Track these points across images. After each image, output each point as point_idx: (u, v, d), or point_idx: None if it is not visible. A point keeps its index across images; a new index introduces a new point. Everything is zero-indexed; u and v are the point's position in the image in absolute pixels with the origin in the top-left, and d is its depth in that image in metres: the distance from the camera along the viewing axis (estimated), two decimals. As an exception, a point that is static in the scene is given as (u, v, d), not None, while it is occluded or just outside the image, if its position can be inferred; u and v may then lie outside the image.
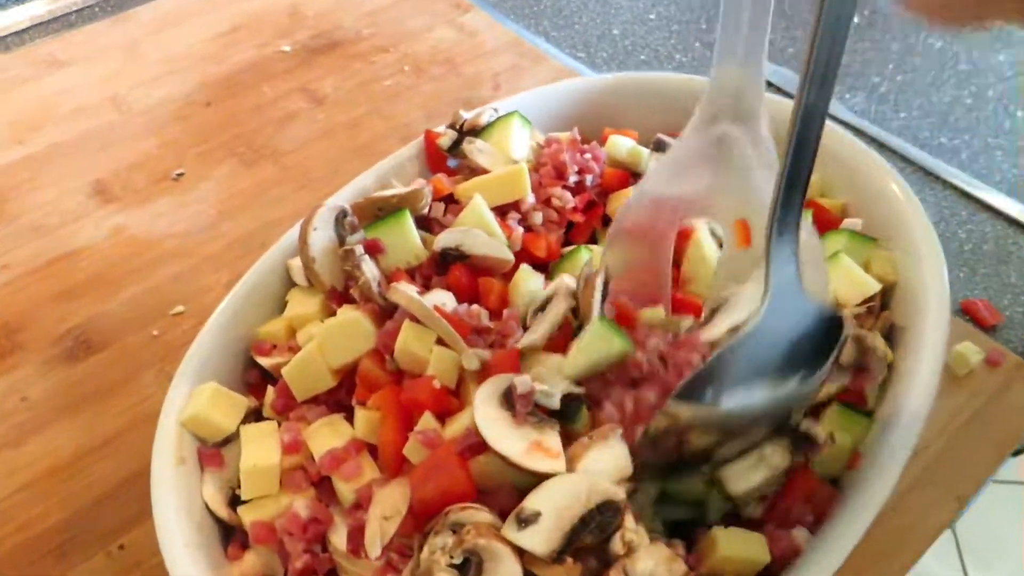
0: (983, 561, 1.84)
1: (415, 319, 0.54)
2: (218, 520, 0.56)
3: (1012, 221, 0.88)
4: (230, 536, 0.56)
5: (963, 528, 1.83)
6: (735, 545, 0.50)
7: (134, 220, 0.89)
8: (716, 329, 0.51)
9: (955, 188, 0.91)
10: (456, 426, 0.50)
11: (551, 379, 0.50)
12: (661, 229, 0.56)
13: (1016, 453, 0.93)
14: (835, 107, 1.01)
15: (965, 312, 0.80)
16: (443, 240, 0.60)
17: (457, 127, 0.71)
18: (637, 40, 1.12)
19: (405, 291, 0.54)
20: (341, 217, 0.63)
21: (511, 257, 0.61)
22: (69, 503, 0.68)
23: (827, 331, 0.47)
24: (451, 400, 0.52)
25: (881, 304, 0.64)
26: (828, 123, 0.73)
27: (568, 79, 0.81)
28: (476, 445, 0.49)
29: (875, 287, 0.60)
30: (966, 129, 0.98)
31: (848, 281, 0.60)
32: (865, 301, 0.62)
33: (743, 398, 0.46)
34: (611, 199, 0.70)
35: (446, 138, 0.71)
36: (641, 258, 0.56)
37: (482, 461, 0.49)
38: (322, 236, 0.62)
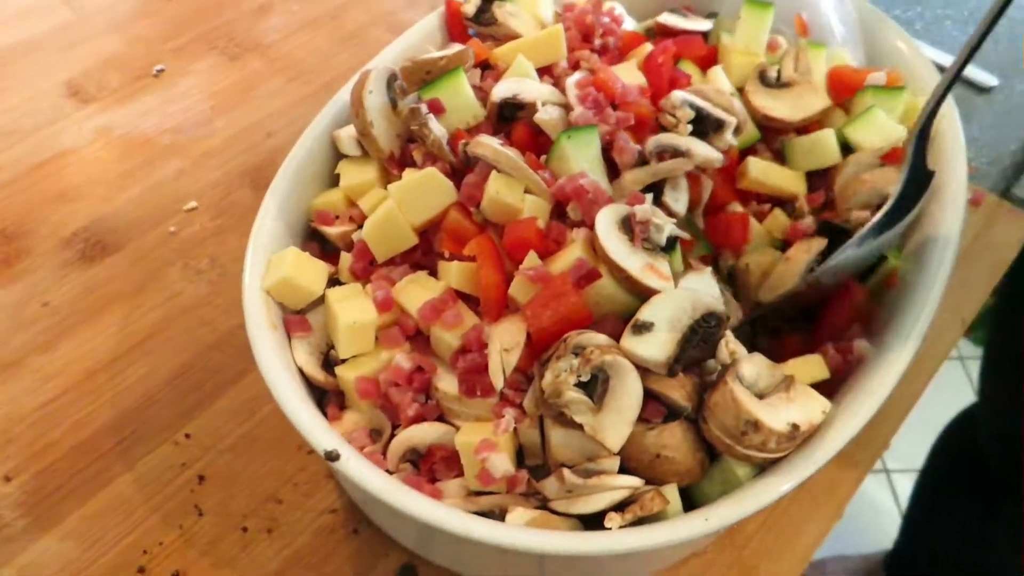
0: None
1: (498, 171, 0.54)
2: (309, 385, 0.56)
3: (969, 83, 0.95)
4: (322, 402, 0.56)
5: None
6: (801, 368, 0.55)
7: (119, 120, 0.85)
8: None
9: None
10: (563, 260, 0.52)
11: (658, 217, 0.52)
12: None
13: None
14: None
15: (944, 163, 0.87)
16: (500, 91, 0.60)
17: None
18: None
19: (490, 143, 0.55)
20: (392, 80, 0.62)
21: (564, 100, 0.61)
22: (118, 402, 0.66)
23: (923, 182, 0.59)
24: (549, 240, 0.53)
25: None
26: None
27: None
28: (587, 275, 0.51)
29: (901, 132, 0.65)
30: (918, 1, 1.04)
31: (878, 130, 0.64)
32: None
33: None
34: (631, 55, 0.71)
35: (470, 5, 0.70)
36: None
37: (593, 289, 0.51)
38: (377, 99, 0.61)
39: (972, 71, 0.96)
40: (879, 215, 0.58)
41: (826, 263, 0.57)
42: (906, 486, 1.56)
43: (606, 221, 0.53)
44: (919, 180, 0.59)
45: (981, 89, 0.96)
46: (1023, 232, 0.81)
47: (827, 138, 0.64)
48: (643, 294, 0.51)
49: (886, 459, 2.02)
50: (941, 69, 0.95)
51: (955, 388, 1.22)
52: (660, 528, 0.47)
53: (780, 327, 0.62)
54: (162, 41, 0.92)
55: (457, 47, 0.64)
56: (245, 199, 0.79)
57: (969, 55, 0.58)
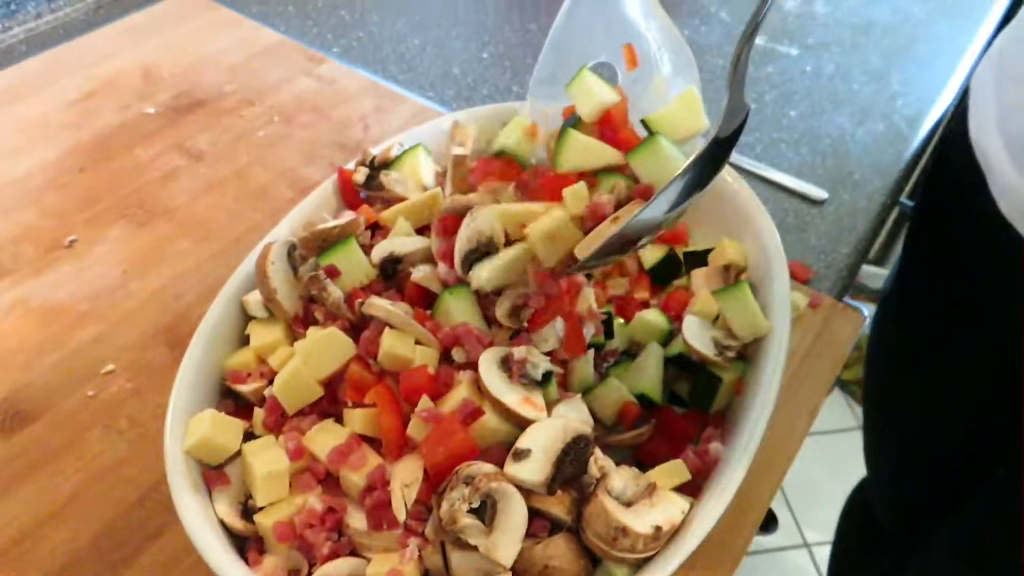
0: (808, 508, 2.14)
1: (391, 326, 0.63)
2: (230, 533, 0.61)
3: (803, 197, 1.10)
4: (243, 548, 0.61)
5: (787, 487, 2.13)
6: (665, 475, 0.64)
7: (34, 291, 0.90)
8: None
9: (757, 176, 1.12)
10: (452, 401, 0.60)
11: (532, 356, 0.61)
12: (573, 72, 0.70)
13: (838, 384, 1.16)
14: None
15: (785, 271, 1.00)
16: (377, 251, 0.70)
17: (368, 163, 0.81)
18: (476, 77, 1.25)
19: (381, 303, 0.63)
20: (292, 250, 0.71)
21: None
22: (44, 567, 0.69)
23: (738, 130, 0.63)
24: (439, 385, 0.62)
25: (738, 271, 0.80)
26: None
27: (446, 115, 0.91)
28: (472, 413, 0.59)
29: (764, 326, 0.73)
30: (755, 128, 1.20)
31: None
32: (726, 266, 0.79)
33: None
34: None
35: (360, 174, 0.80)
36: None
37: (478, 425, 0.59)
38: (279, 269, 0.69)
39: (805, 187, 1.11)
40: (698, 152, 0.60)
41: (637, 213, 0.59)
42: (827, 556, 1.66)
43: (487, 362, 0.62)
44: (736, 114, 0.62)
45: (814, 202, 1.10)
46: (857, 327, 0.94)
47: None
48: (522, 424, 0.60)
49: (804, 532, 2.13)
50: (785, 189, 1.11)
51: (862, 457, 1.34)
52: (553, 633, 0.53)
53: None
54: (74, 212, 0.98)
55: (349, 215, 0.73)
56: (160, 358, 0.84)
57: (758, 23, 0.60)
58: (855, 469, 1.46)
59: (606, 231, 0.61)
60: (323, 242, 0.71)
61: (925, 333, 1.09)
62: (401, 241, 0.71)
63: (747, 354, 0.74)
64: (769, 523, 0.80)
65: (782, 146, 1.18)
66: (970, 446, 1.05)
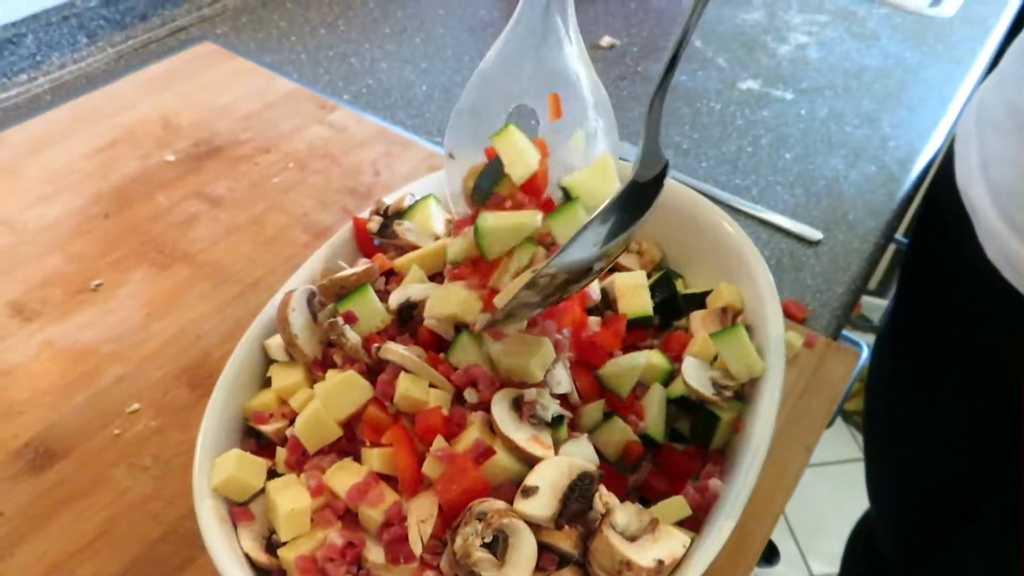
0: (813, 540, 2.16)
1: (406, 370, 0.67)
2: (255, 567, 0.64)
3: (799, 237, 1.15)
4: (265, 582, 0.65)
5: (792, 518, 2.15)
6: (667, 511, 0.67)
7: (61, 333, 0.94)
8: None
9: (753, 217, 1.17)
10: (465, 441, 0.64)
11: (543, 399, 0.65)
12: (495, 110, 0.72)
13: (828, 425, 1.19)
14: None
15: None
16: (394, 298, 0.74)
17: (382, 212, 0.85)
18: (483, 122, 1.30)
19: (396, 349, 0.67)
20: (311, 298, 0.75)
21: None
22: (72, 601, 0.72)
23: (659, 179, 0.66)
24: (452, 425, 0.65)
25: (735, 313, 0.84)
26: (671, 181, 0.95)
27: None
28: (484, 452, 0.62)
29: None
30: (752, 171, 1.25)
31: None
32: (723, 308, 0.83)
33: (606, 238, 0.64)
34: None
35: (374, 223, 0.84)
36: (480, 135, 0.72)
37: (489, 464, 0.62)
38: (299, 316, 0.73)
39: (800, 227, 1.15)
40: (612, 198, 0.63)
41: (552, 258, 0.62)
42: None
43: (499, 402, 0.66)
44: (654, 164, 0.65)
45: (809, 242, 1.14)
46: (851, 367, 0.97)
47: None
48: (531, 461, 0.63)
49: (810, 563, 2.14)
50: (781, 230, 1.15)
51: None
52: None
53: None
54: (98, 256, 1.02)
55: (364, 263, 0.77)
56: (182, 398, 0.88)
57: (679, 49, 0.61)
58: (860, 499, 1.48)
59: (520, 280, 0.65)
60: (341, 289, 0.75)
61: (918, 369, 1.12)
62: (416, 288, 0.75)
63: (744, 393, 0.78)
64: (771, 555, 0.83)
65: (778, 188, 1.22)
66: (963, 479, 1.08)
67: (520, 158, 0.69)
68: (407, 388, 0.65)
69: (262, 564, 0.64)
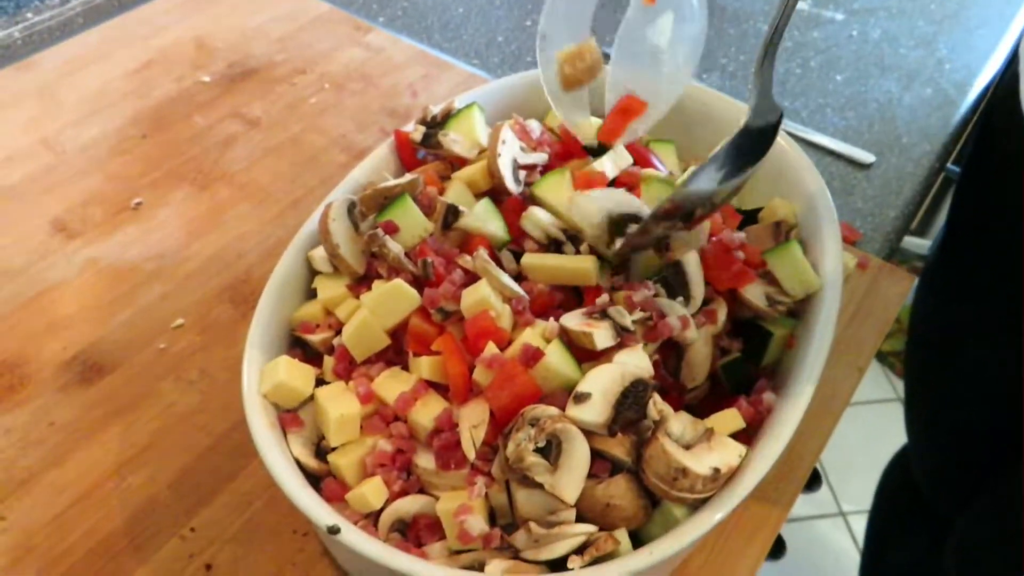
0: (844, 478, 2.15)
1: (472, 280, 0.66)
2: (305, 472, 0.64)
3: (849, 160, 1.11)
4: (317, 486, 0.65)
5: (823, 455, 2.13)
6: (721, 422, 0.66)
7: (104, 252, 0.93)
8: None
9: (803, 140, 1.13)
10: (513, 348, 0.63)
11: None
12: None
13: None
14: (701, 86, 1.20)
15: (833, 234, 1.01)
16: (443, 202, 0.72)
17: (428, 120, 0.83)
18: (521, 45, 1.27)
19: (484, 256, 0.66)
20: (352, 208, 0.73)
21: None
22: (126, 506, 0.73)
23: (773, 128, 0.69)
24: (501, 329, 0.64)
25: (789, 228, 0.81)
26: (716, 92, 0.92)
27: (505, 78, 0.93)
28: (533, 355, 0.61)
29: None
30: (801, 93, 1.20)
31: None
32: (776, 223, 0.80)
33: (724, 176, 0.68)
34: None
35: (418, 132, 0.82)
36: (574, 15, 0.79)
37: (540, 367, 0.61)
38: (340, 226, 0.71)
39: (851, 150, 1.11)
40: (723, 144, 0.68)
41: (668, 197, 0.66)
42: (861, 526, 1.67)
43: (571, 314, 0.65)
44: (767, 113, 0.69)
45: (861, 166, 1.11)
46: (905, 288, 0.94)
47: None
48: (585, 346, 0.62)
49: (840, 502, 2.14)
50: (832, 153, 1.11)
51: (899, 429, 1.35)
52: (613, 564, 0.56)
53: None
54: (138, 177, 1.02)
55: (409, 176, 0.76)
56: (225, 314, 0.88)
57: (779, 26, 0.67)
58: (892, 440, 1.46)
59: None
60: (384, 199, 0.73)
61: (969, 305, 1.09)
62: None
63: (799, 311, 0.75)
64: (812, 481, 0.82)
65: (828, 111, 1.18)
66: (1006, 419, 1.05)
67: None
68: (486, 295, 0.64)
69: (312, 469, 0.64)
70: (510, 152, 0.75)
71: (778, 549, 0.83)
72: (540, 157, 0.79)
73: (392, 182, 0.74)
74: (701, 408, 0.72)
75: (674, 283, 0.70)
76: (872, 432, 1.95)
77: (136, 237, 0.95)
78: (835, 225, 0.78)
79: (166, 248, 0.94)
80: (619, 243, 0.68)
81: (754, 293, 0.73)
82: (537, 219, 0.70)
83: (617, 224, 0.68)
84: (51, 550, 0.70)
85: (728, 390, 0.73)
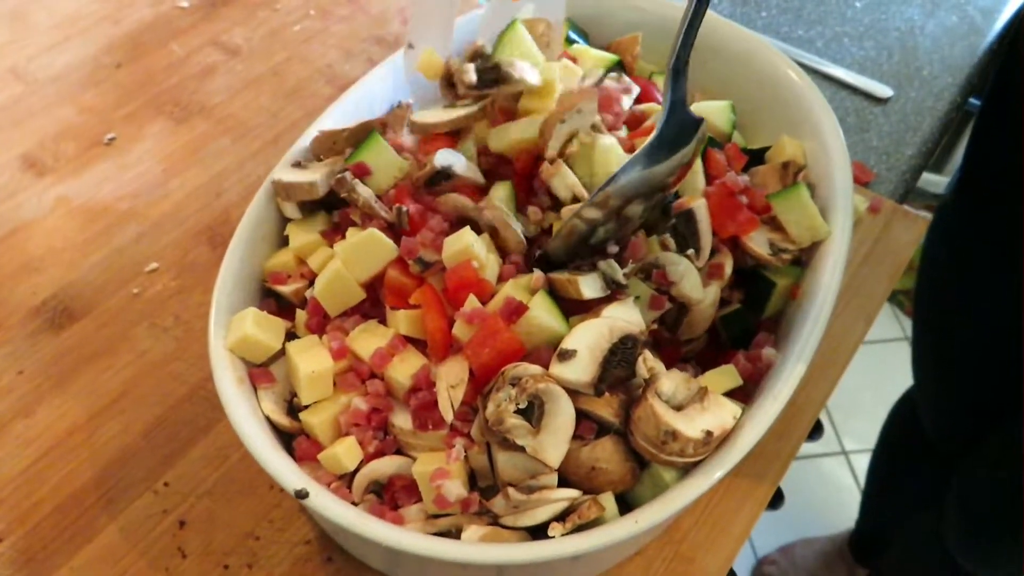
0: (847, 417, 2.13)
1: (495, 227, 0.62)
2: (276, 430, 0.61)
3: (866, 94, 1.04)
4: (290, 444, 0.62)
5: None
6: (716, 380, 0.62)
7: (76, 189, 0.89)
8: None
9: (817, 71, 1.06)
10: (495, 301, 0.58)
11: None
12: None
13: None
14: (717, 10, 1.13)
15: (844, 173, 0.95)
16: (440, 159, 0.65)
17: (479, 56, 0.70)
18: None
19: (498, 203, 0.62)
20: (296, 164, 0.69)
21: (482, 180, 0.67)
22: (97, 458, 0.71)
23: (691, 128, 0.64)
24: (485, 281, 0.60)
25: (797, 170, 0.76)
26: (725, 20, 0.85)
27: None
28: (516, 309, 0.57)
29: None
30: (817, 21, 1.13)
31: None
32: (784, 164, 0.74)
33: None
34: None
35: (469, 72, 0.69)
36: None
37: (523, 322, 0.57)
38: (291, 176, 0.67)
39: (868, 83, 1.04)
40: (642, 148, 0.63)
41: (590, 197, 0.62)
42: (864, 465, 1.66)
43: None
44: (682, 122, 0.64)
45: (877, 100, 1.04)
46: (918, 233, 0.89)
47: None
48: (570, 311, 0.58)
49: (843, 440, 2.12)
50: (847, 86, 1.05)
51: (906, 369, 1.32)
52: (597, 532, 0.53)
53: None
54: (112, 109, 0.96)
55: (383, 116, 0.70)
56: (203, 257, 0.84)
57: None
58: (898, 380, 1.43)
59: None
60: (333, 144, 0.68)
61: (985, 243, 1.04)
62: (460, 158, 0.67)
63: (804, 259, 0.71)
64: (815, 430, 0.79)
65: (845, 40, 1.11)
66: (1014, 363, 1.02)
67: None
68: (471, 242, 0.59)
69: (284, 427, 0.61)
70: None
71: (776, 499, 0.80)
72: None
73: (342, 127, 0.69)
74: (698, 360, 0.68)
75: (685, 232, 0.66)
76: (879, 372, 1.92)
77: (110, 174, 0.91)
78: (847, 167, 0.72)
79: (141, 186, 0.90)
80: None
81: (757, 240, 0.68)
82: (570, 181, 0.65)
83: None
84: (18, 505, 0.68)
85: (727, 342, 0.70)
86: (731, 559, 0.67)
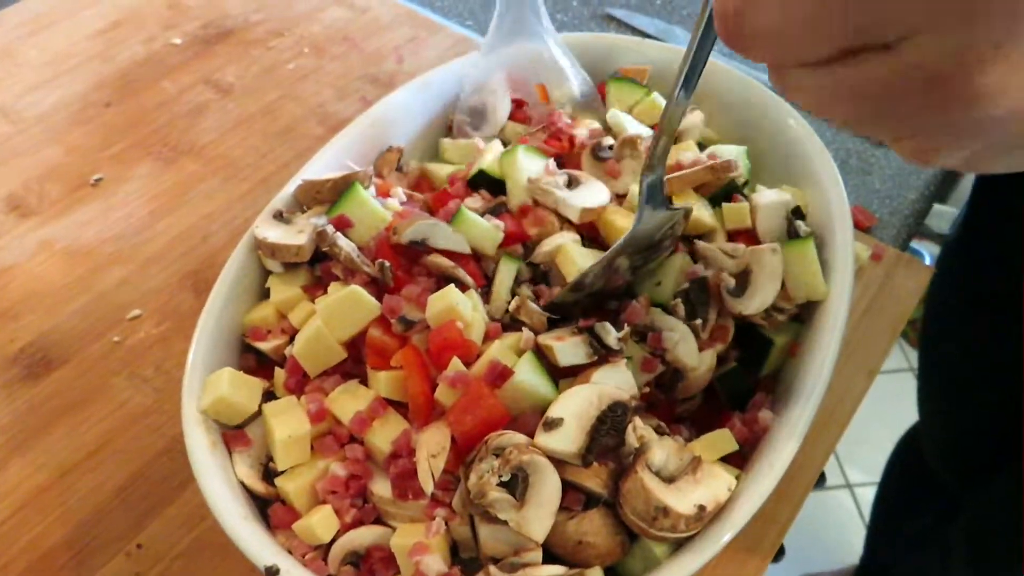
0: (853, 449, 2.09)
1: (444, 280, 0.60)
2: (251, 495, 0.59)
3: (868, 137, 1.02)
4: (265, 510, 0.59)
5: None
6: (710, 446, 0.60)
7: (60, 232, 0.87)
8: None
9: (820, 113, 1.04)
10: (479, 364, 0.56)
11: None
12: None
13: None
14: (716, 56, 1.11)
15: (846, 219, 0.93)
16: (410, 233, 0.63)
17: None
18: (519, 3, 1.17)
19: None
20: (279, 216, 0.67)
21: (468, 250, 0.65)
22: (69, 517, 0.68)
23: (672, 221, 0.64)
24: (470, 342, 0.57)
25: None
26: (723, 64, 0.84)
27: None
28: (501, 373, 0.55)
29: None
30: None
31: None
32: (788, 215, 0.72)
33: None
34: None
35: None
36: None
37: (509, 387, 0.55)
38: (272, 232, 0.65)
39: (872, 126, 1.02)
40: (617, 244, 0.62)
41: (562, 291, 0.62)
42: (869, 498, 1.63)
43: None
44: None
45: (880, 142, 1.02)
46: (922, 281, 0.87)
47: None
48: (558, 375, 0.56)
49: (847, 472, 2.08)
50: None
51: (912, 400, 1.29)
52: (585, 615, 0.50)
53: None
54: (100, 149, 0.95)
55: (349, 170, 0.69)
56: (186, 304, 0.82)
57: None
58: (904, 412, 1.40)
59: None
60: (317, 193, 0.66)
61: (992, 278, 1.01)
62: (441, 229, 0.65)
63: (803, 315, 0.68)
64: (819, 480, 0.76)
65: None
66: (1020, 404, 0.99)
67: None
68: (456, 301, 0.57)
69: (259, 493, 0.58)
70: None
71: (777, 554, 0.78)
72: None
73: (325, 177, 0.67)
74: (693, 419, 0.66)
75: (696, 301, 0.63)
76: (884, 402, 1.88)
77: (95, 216, 0.89)
78: (847, 222, 0.70)
79: (126, 228, 0.88)
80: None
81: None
82: None
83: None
84: (-13, 566, 0.65)
85: (724, 401, 0.67)
86: (728, 631, 0.64)
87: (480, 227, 0.64)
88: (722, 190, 0.71)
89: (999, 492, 1.08)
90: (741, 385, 0.66)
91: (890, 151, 1.01)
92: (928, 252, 0.99)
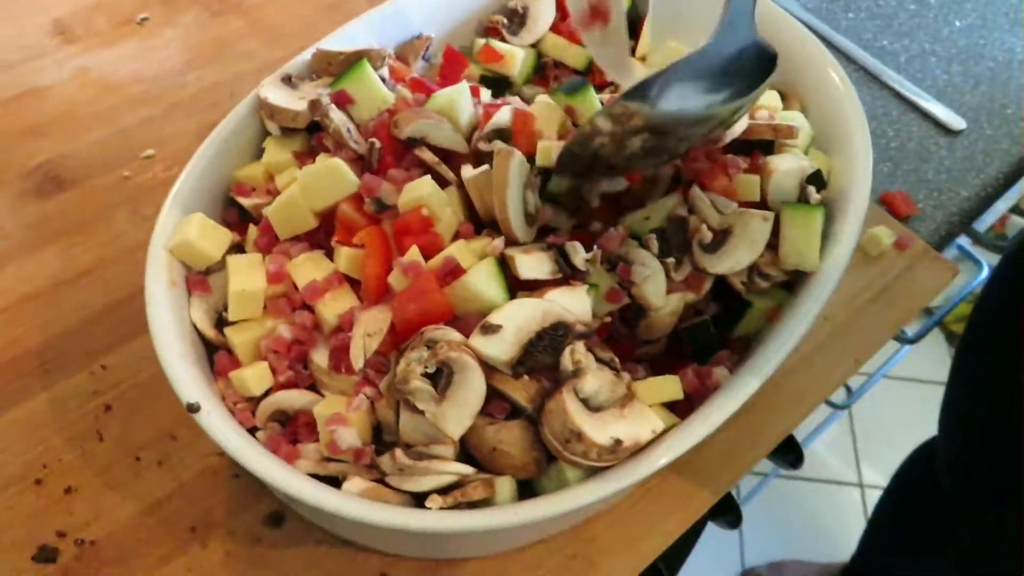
0: (874, 448, 2.04)
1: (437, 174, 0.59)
2: (204, 341, 0.61)
3: (937, 123, 0.96)
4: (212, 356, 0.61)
5: (858, 422, 2.03)
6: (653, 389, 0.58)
7: (98, 62, 0.89)
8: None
9: (890, 89, 0.98)
10: (436, 259, 0.56)
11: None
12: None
13: (912, 341, 1.04)
14: (788, 2, 1.05)
15: (883, 202, 0.88)
16: (410, 130, 0.62)
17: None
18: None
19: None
20: (287, 80, 0.66)
21: (465, 150, 0.64)
22: (48, 327, 0.72)
23: (761, 64, 0.57)
24: (436, 235, 0.57)
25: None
26: (778, 9, 0.79)
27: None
28: (453, 271, 0.55)
29: None
30: (907, 34, 1.04)
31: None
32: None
33: (678, 103, 0.55)
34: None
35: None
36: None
37: (459, 284, 0.55)
38: (276, 93, 0.65)
39: (942, 111, 0.96)
40: (686, 64, 0.56)
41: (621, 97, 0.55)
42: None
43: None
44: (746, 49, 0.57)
45: (947, 131, 0.96)
46: (944, 282, 0.82)
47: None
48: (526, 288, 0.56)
49: (864, 471, 2.05)
50: (918, 110, 0.96)
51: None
52: (471, 515, 0.51)
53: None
54: (151, -11, 0.96)
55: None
56: (200, 153, 0.83)
57: None
58: (932, 422, 1.36)
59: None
60: (329, 65, 0.66)
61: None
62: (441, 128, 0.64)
63: (794, 283, 0.66)
64: (796, 460, 0.75)
65: (931, 60, 1.02)
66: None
67: None
68: (430, 193, 0.57)
69: (209, 338, 0.60)
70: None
71: (735, 519, 0.77)
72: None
73: (342, 48, 0.66)
74: (652, 364, 0.65)
75: (672, 241, 0.61)
76: (917, 409, 1.83)
77: (134, 54, 0.90)
78: (864, 197, 0.66)
79: (160, 71, 0.89)
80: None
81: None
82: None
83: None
84: (-38, 356, 0.69)
85: (688, 355, 0.66)
86: (635, 571, 0.64)
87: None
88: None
89: (1005, 519, 1.05)
90: (708, 339, 0.64)
91: (956, 143, 0.95)
92: (990, 264, 0.94)
